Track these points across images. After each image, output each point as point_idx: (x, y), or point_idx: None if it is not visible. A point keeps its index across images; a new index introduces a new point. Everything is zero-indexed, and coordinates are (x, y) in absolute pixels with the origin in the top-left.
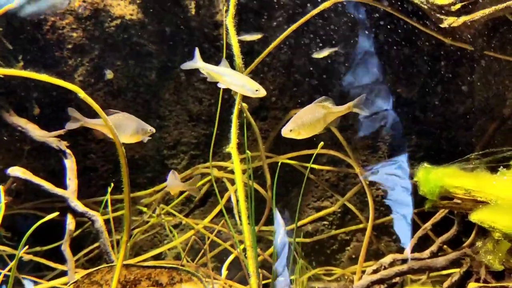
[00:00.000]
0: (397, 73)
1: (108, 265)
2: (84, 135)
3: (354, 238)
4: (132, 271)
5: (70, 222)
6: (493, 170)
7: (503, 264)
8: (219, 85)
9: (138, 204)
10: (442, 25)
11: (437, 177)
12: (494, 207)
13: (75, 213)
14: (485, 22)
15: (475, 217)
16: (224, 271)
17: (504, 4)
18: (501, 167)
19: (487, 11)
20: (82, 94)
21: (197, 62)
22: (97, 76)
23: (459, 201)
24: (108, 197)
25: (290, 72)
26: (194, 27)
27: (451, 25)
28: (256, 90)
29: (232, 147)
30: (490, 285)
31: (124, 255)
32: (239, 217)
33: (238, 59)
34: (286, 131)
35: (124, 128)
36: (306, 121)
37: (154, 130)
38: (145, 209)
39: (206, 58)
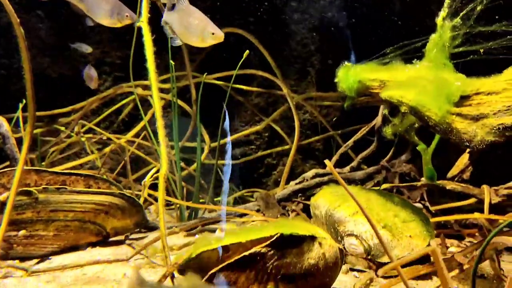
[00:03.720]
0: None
1: (13, 168)
2: None
3: (280, 162)
4: (44, 177)
5: None
6: (409, 61)
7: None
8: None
9: (56, 123)
10: None
11: (356, 73)
12: (402, 84)
13: None
14: None
15: (385, 94)
16: (146, 183)
17: None
18: (415, 59)
19: None
20: None
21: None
22: None
23: (375, 94)
24: (19, 113)
25: None
26: None
27: None
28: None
29: (142, 21)
30: (399, 184)
31: (27, 148)
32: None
33: None
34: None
35: (99, 8)
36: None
37: (134, 18)
38: (63, 128)
39: None
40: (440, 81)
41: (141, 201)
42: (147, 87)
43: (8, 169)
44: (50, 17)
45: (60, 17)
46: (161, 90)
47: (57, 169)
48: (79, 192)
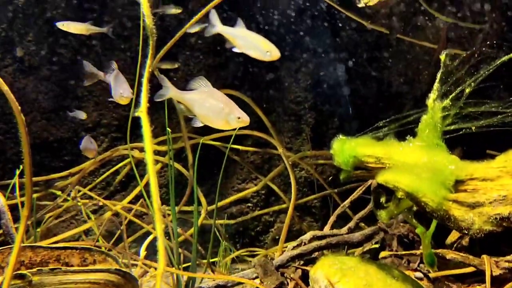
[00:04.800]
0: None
1: (8, 246)
2: None
3: (278, 219)
4: (39, 253)
5: None
6: (403, 137)
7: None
8: (234, 49)
9: (52, 187)
10: (359, 5)
11: (351, 147)
12: (398, 169)
13: None
14: (398, 3)
15: (381, 178)
16: (142, 252)
17: None
18: (408, 135)
19: None
20: None
21: (217, 27)
22: (4, 52)
23: (371, 170)
24: (15, 180)
25: (216, 54)
26: (113, 2)
27: (367, 4)
28: (267, 52)
29: (141, 111)
30: (399, 252)
31: (24, 231)
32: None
33: (148, 19)
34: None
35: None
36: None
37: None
38: (59, 193)
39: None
40: (434, 164)
41: (137, 270)
42: (143, 149)
43: (3, 247)
44: (47, 80)
45: (57, 80)
46: (157, 152)
47: (54, 239)
48: (73, 272)
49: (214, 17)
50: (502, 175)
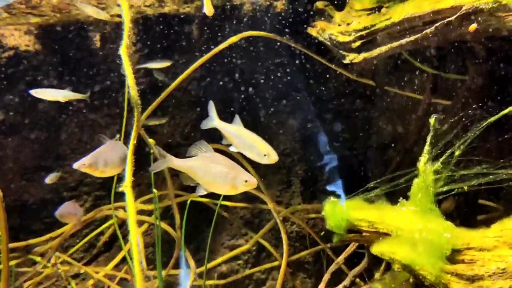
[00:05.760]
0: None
1: None
2: None
3: (270, 276)
4: None
5: None
6: (394, 198)
7: None
8: (231, 148)
9: (32, 253)
10: (344, 61)
11: (342, 211)
12: (393, 239)
13: None
14: (384, 58)
15: (376, 249)
16: None
17: (398, 42)
18: (401, 198)
19: (383, 48)
20: None
21: (214, 121)
22: None
23: (364, 234)
24: None
25: (202, 107)
26: (99, 60)
27: (353, 61)
28: (265, 155)
29: (126, 186)
30: None
31: None
32: (146, 261)
33: (133, 91)
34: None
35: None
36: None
37: (254, 183)
38: (38, 259)
39: (113, 92)
40: (430, 232)
41: None
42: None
43: None
44: (28, 139)
45: (38, 139)
46: (143, 211)
47: None
48: None
49: (212, 110)
50: (499, 245)
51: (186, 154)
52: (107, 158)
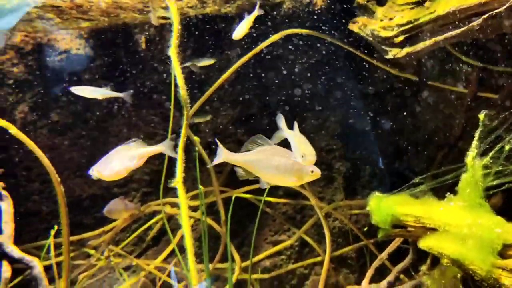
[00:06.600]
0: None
1: None
2: (26, 176)
3: (312, 271)
4: None
5: (6, 270)
6: (440, 194)
7: None
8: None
9: (86, 246)
10: (387, 56)
11: (388, 206)
12: (441, 234)
13: (12, 260)
14: (428, 53)
15: (424, 244)
16: None
17: (443, 36)
18: (448, 193)
19: (428, 42)
20: (13, 129)
21: (283, 132)
22: (40, 113)
23: (410, 229)
24: (50, 240)
25: (245, 105)
26: (145, 61)
27: (395, 56)
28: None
29: (177, 182)
30: None
31: None
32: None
33: (183, 90)
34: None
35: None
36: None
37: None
38: (92, 252)
39: (158, 93)
40: (479, 228)
41: None
42: (175, 205)
43: None
44: (80, 138)
45: (89, 138)
46: (189, 207)
47: None
48: None
49: (282, 121)
50: None
51: (242, 149)
52: (113, 164)
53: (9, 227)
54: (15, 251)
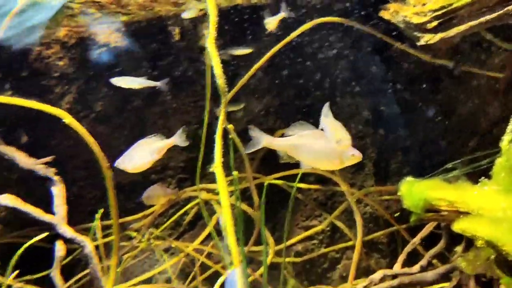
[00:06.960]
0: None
1: None
2: (73, 163)
3: (344, 256)
4: None
5: (60, 249)
6: (474, 179)
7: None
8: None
9: (128, 229)
10: (419, 43)
11: (420, 190)
12: (475, 217)
13: (64, 239)
14: (462, 38)
15: (458, 226)
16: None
17: (478, 21)
18: (482, 177)
19: (462, 27)
20: (68, 119)
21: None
22: (83, 103)
23: (443, 213)
24: (97, 222)
25: (276, 93)
26: (179, 52)
27: (428, 42)
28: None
29: (216, 166)
30: None
31: (113, 280)
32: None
33: (221, 79)
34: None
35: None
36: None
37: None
38: (134, 234)
39: (192, 83)
40: None
41: None
42: (210, 190)
43: None
44: (119, 127)
45: (127, 127)
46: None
47: (133, 282)
48: None
49: (326, 109)
50: None
51: (284, 134)
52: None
53: (61, 210)
54: (68, 231)
